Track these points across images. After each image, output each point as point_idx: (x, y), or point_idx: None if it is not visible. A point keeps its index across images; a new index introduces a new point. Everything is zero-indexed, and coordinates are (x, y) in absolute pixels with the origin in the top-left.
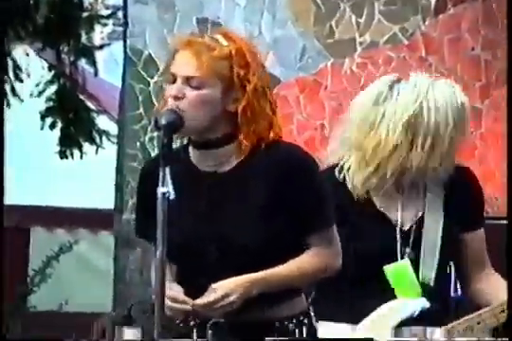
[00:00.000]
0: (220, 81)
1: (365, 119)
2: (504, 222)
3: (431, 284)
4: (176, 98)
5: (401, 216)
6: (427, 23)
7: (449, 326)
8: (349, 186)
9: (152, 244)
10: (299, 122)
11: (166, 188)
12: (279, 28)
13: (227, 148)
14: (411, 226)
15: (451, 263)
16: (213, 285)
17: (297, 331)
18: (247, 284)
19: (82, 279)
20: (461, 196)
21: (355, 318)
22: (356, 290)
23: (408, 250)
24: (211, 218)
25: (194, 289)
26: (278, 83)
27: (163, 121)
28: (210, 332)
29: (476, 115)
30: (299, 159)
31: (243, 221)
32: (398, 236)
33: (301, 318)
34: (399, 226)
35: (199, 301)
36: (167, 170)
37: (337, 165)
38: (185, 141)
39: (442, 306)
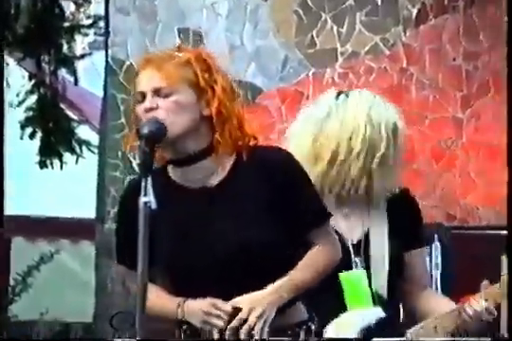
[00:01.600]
0: (189, 87)
1: (309, 135)
2: (486, 231)
3: (384, 295)
4: (151, 109)
5: (346, 232)
6: (408, 33)
7: (412, 330)
8: None
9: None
10: (280, 132)
11: (148, 198)
12: (260, 39)
13: (209, 159)
14: (360, 240)
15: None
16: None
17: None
18: (274, 292)
19: (63, 289)
20: (402, 215)
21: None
22: (313, 299)
23: (358, 261)
24: (212, 233)
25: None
26: (259, 93)
27: (145, 131)
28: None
29: (457, 125)
30: (284, 161)
31: (245, 230)
32: (350, 247)
33: (309, 324)
34: (346, 239)
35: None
36: (149, 179)
37: None
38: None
39: (395, 316)
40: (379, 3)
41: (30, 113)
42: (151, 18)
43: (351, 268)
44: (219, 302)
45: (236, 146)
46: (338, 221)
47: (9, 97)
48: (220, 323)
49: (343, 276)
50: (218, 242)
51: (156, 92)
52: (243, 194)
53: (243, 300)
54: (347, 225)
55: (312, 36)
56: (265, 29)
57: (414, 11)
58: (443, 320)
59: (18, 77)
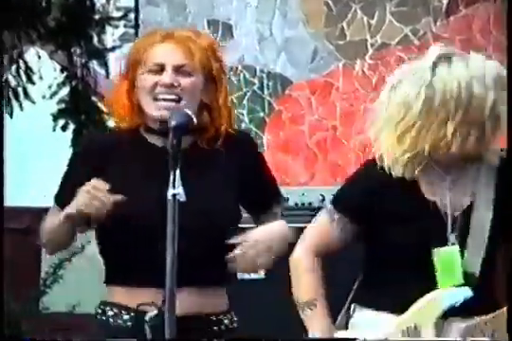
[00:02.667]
0: (202, 71)
1: (401, 100)
2: None
3: (476, 274)
4: (172, 86)
5: (449, 202)
6: (438, 24)
7: (464, 325)
8: (386, 168)
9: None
10: (310, 123)
11: (177, 190)
12: (290, 29)
13: (188, 136)
14: (459, 213)
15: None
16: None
17: (228, 325)
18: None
19: (94, 281)
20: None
21: (397, 306)
22: (402, 276)
23: (452, 237)
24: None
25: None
26: (289, 85)
27: (173, 123)
28: (147, 324)
29: None
30: (254, 144)
31: (206, 195)
32: (446, 222)
33: (232, 313)
34: (447, 212)
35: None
36: (177, 172)
37: (375, 158)
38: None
39: (485, 297)
40: None
41: (63, 105)
42: (180, 10)
43: (445, 244)
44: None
45: (211, 134)
46: (440, 193)
47: (42, 89)
48: (97, 203)
49: (438, 252)
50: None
51: (178, 69)
52: (211, 163)
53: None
54: (450, 196)
55: (342, 27)
56: (295, 20)
57: (445, 2)
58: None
59: (50, 69)
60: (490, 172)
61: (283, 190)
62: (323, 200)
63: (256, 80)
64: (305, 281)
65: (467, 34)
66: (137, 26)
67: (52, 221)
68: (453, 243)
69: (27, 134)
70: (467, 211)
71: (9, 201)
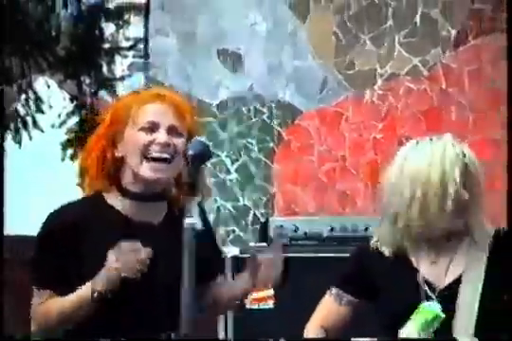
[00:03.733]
0: (187, 134)
1: (392, 184)
2: None
3: None
4: (167, 145)
5: (436, 277)
6: (447, 54)
7: None
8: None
9: (53, 294)
10: (319, 153)
11: (193, 220)
12: (299, 60)
13: (164, 202)
14: (446, 284)
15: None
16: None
17: None
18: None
19: None
20: (507, 260)
21: None
22: None
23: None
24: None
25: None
26: (299, 114)
27: (191, 151)
28: None
29: (497, 146)
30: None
31: (173, 266)
32: (431, 294)
33: None
34: (433, 285)
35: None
36: (194, 201)
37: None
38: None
39: None
40: (418, 24)
41: (72, 134)
42: (190, 40)
43: None
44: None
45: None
46: (424, 268)
47: (51, 118)
48: (136, 260)
49: (424, 307)
50: (149, 278)
51: (171, 129)
52: (172, 239)
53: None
54: (434, 272)
55: (351, 57)
56: (304, 51)
57: (453, 32)
58: None
59: (59, 98)
60: (481, 249)
61: (293, 220)
62: (332, 230)
63: (265, 110)
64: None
65: (476, 64)
66: (146, 56)
67: (61, 305)
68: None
69: (36, 164)
70: (455, 283)
71: (16, 230)
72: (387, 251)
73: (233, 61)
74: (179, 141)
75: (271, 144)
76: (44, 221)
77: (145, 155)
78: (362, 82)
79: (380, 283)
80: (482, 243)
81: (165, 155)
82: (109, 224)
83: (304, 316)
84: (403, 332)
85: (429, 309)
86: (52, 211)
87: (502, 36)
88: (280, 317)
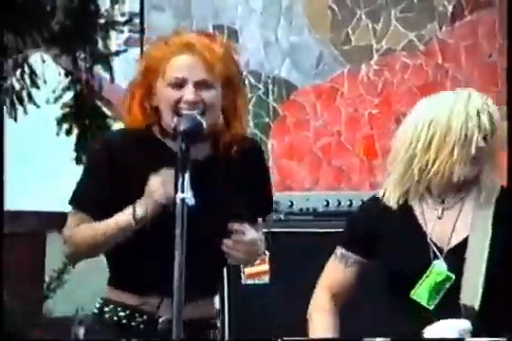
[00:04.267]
0: (221, 81)
1: (411, 129)
2: None
3: (475, 308)
4: (195, 103)
5: (436, 234)
6: (443, 29)
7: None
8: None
9: (88, 215)
10: (315, 129)
11: (185, 194)
12: (295, 35)
13: (206, 143)
14: (454, 245)
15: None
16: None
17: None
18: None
19: (98, 285)
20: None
21: (402, 335)
22: (402, 306)
23: (446, 268)
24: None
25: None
26: (294, 90)
27: (182, 127)
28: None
29: None
30: (261, 155)
31: (216, 204)
32: (439, 253)
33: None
34: (437, 244)
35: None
36: (186, 176)
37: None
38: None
39: (487, 329)
40: None
41: (67, 109)
42: (185, 15)
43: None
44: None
45: (228, 138)
46: (433, 222)
47: (46, 93)
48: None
49: (433, 268)
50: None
51: (200, 84)
52: (220, 175)
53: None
54: (440, 229)
55: (347, 32)
56: (300, 26)
57: (450, 7)
58: None
59: (55, 74)
60: (488, 203)
61: (288, 195)
62: (328, 205)
63: (261, 86)
64: (320, 321)
65: (473, 40)
66: (141, 31)
67: (99, 229)
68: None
69: (31, 138)
70: (463, 243)
71: (12, 205)
72: (393, 202)
73: (229, 36)
74: (209, 95)
75: (267, 119)
76: (93, 142)
77: (176, 112)
78: (358, 58)
79: (386, 241)
80: (489, 197)
81: (195, 112)
82: (155, 155)
83: (300, 291)
84: (413, 294)
85: (439, 270)
86: (104, 134)
87: (498, 11)
88: (276, 292)
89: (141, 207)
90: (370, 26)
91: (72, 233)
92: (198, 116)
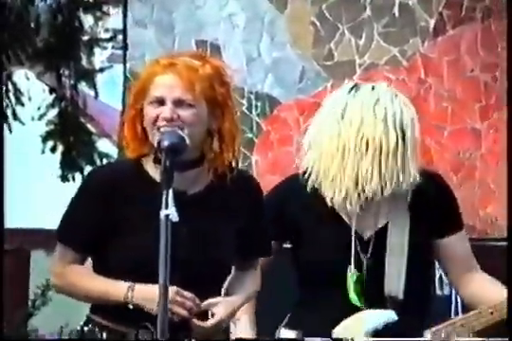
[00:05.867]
0: (205, 101)
1: (326, 130)
2: (504, 243)
3: (399, 297)
4: (171, 120)
5: (360, 223)
6: (426, 44)
7: (434, 329)
8: (310, 192)
9: (75, 252)
10: (298, 144)
11: (169, 211)
12: (278, 51)
13: (199, 169)
14: (372, 234)
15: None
16: (211, 309)
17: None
18: (234, 309)
19: (82, 302)
20: (430, 202)
21: (321, 327)
22: (323, 295)
23: (365, 260)
24: (179, 236)
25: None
26: (277, 105)
27: (165, 143)
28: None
29: (476, 136)
30: (255, 190)
31: (205, 241)
32: (357, 244)
33: None
34: (358, 234)
35: (203, 324)
36: (170, 192)
37: (303, 172)
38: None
39: (413, 318)
40: (397, 14)
41: (52, 126)
42: (168, 31)
43: (361, 265)
44: (181, 290)
45: (222, 162)
46: (352, 214)
47: (31, 110)
48: (183, 312)
49: (349, 273)
50: (178, 248)
51: (178, 103)
52: (211, 212)
53: (219, 301)
54: (359, 221)
55: (330, 48)
56: (283, 41)
57: (432, 22)
58: (471, 319)
59: (39, 91)
60: (404, 193)
61: None
62: None
63: (244, 101)
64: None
65: (455, 55)
66: (125, 48)
67: (87, 290)
68: (366, 266)
69: (16, 157)
70: (382, 232)
71: None
72: (319, 201)
73: (212, 52)
74: (188, 113)
75: (250, 135)
76: (86, 176)
77: (156, 128)
78: (341, 73)
79: (307, 228)
80: (405, 189)
81: (172, 129)
82: (141, 189)
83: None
84: (350, 299)
85: (351, 272)
86: (94, 168)
87: (480, 25)
88: None
89: (136, 298)
90: (353, 41)
91: (61, 281)
92: (180, 132)
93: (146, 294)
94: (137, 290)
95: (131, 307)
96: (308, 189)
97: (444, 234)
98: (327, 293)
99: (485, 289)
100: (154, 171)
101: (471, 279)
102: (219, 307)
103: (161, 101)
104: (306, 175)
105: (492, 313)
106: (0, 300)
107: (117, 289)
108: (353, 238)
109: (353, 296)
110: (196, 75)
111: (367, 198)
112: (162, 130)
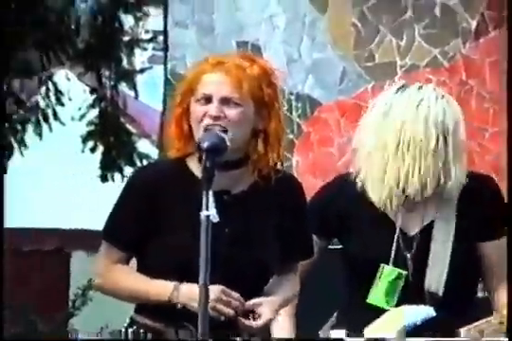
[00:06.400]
0: (252, 100)
1: (372, 127)
2: None
3: (439, 294)
4: (217, 118)
5: (407, 223)
6: (467, 46)
7: (467, 327)
8: (355, 190)
9: (121, 251)
10: (339, 145)
11: (209, 212)
12: (318, 52)
13: (240, 170)
14: (417, 232)
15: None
16: (257, 308)
17: None
18: (276, 309)
19: (123, 302)
20: (476, 205)
21: (364, 323)
22: (360, 293)
23: (408, 255)
24: (221, 235)
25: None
26: (318, 106)
27: (206, 145)
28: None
29: None
30: (298, 193)
31: (248, 241)
32: (401, 241)
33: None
34: (403, 230)
35: (253, 323)
36: (210, 193)
37: (346, 174)
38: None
39: (450, 315)
40: (438, 15)
41: (92, 127)
42: (209, 32)
43: (404, 262)
44: (228, 289)
45: (267, 163)
46: (397, 213)
47: (71, 111)
48: (229, 311)
49: (383, 269)
50: (220, 248)
51: (225, 101)
52: (254, 212)
53: (263, 301)
54: (406, 218)
55: (371, 49)
56: (323, 42)
57: (474, 23)
58: (493, 322)
59: (80, 91)
60: (452, 193)
61: None
62: None
63: (285, 102)
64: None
65: (497, 56)
66: (165, 49)
67: (131, 290)
68: (409, 262)
69: (56, 157)
70: (427, 231)
71: (37, 222)
72: (364, 199)
73: (252, 53)
74: (234, 112)
75: (291, 136)
76: (131, 176)
77: (202, 127)
78: (382, 74)
79: (354, 227)
80: (452, 190)
81: (217, 127)
82: (186, 189)
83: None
84: (369, 299)
85: (389, 270)
86: (138, 167)
87: None
88: None
89: (181, 298)
90: (394, 42)
91: (105, 281)
92: (220, 133)
93: (191, 293)
94: (182, 289)
95: (179, 306)
96: (357, 188)
97: (485, 238)
98: (367, 289)
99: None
100: (198, 171)
101: (503, 289)
102: (264, 307)
103: (208, 99)
104: (354, 174)
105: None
106: (0, 300)
107: (162, 288)
108: (395, 236)
109: (380, 296)
110: (244, 74)
111: (411, 197)
112: (209, 128)
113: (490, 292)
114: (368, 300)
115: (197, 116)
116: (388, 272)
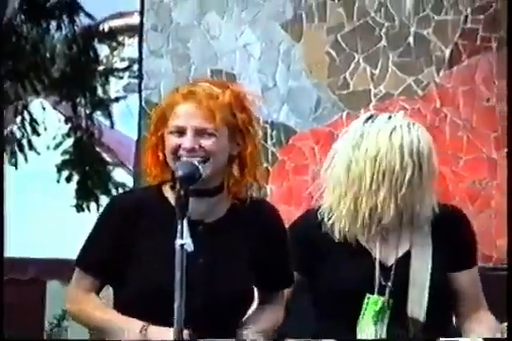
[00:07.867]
0: (226, 128)
1: (343, 159)
2: None
3: (421, 319)
4: (192, 150)
5: (379, 251)
6: (441, 74)
7: None
8: (328, 225)
9: (93, 278)
10: (314, 173)
11: (184, 240)
12: (293, 80)
13: (217, 197)
14: (394, 262)
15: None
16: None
17: None
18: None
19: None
20: (448, 235)
21: None
22: (343, 325)
23: (389, 285)
24: (193, 266)
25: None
26: (293, 134)
27: (179, 173)
28: None
29: (491, 165)
30: (279, 223)
31: (223, 272)
32: (378, 271)
33: None
34: (381, 260)
35: None
36: (185, 221)
37: (318, 207)
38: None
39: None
40: (412, 44)
41: (67, 156)
42: (184, 60)
43: (373, 293)
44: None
45: (243, 186)
46: (373, 243)
47: (46, 140)
48: None
49: (367, 299)
50: (195, 279)
51: (199, 132)
52: (232, 240)
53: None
54: (382, 248)
55: (345, 77)
56: (298, 70)
57: (447, 52)
58: None
59: (55, 120)
60: (425, 221)
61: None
62: None
63: (260, 131)
64: None
65: (471, 84)
66: (140, 77)
67: (101, 321)
68: (388, 292)
69: (32, 186)
70: (404, 260)
71: (13, 252)
72: (338, 233)
73: (228, 81)
74: (210, 142)
75: (265, 164)
76: (108, 204)
77: (177, 158)
78: (357, 102)
79: (330, 260)
80: (427, 218)
81: (195, 159)
82: (161, 216)
83: None
84: (359, 331)
85: (374, 299)
86: (116, 195)
87: (495, 55)
88: None
89: (149, 336)
90: (368, 70)
91: (75, 306)
92: (195, 162)
93: (157, 335)
94: (148, 330)
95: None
96: (327, 221)
97: (456, 268)
98: (346, 323)
99: (484, 329)
100: (172, 197)
101: (474, 319)
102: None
103: (182, 131)
104: (324, 207)
105: None
106: (0, 300)
107: (130, 326)
108: (377, 265)
109: (367, 327)
110: (216, 103)
111: (386, 227)
112: (184, 159)
113: (462, 321)
114: (358, 331)
115: (172, 148)
116: (373, 301)
